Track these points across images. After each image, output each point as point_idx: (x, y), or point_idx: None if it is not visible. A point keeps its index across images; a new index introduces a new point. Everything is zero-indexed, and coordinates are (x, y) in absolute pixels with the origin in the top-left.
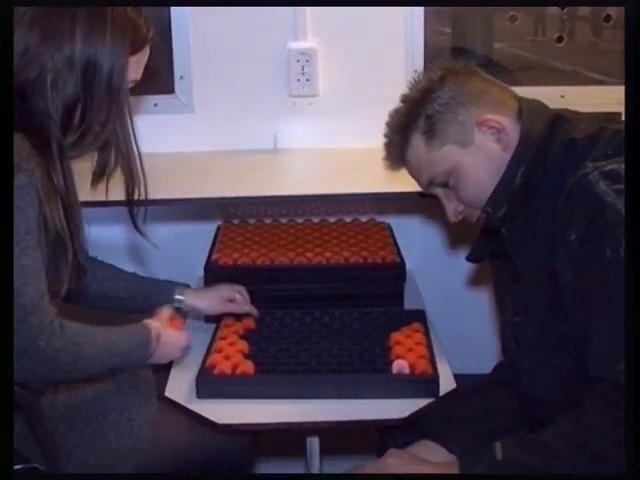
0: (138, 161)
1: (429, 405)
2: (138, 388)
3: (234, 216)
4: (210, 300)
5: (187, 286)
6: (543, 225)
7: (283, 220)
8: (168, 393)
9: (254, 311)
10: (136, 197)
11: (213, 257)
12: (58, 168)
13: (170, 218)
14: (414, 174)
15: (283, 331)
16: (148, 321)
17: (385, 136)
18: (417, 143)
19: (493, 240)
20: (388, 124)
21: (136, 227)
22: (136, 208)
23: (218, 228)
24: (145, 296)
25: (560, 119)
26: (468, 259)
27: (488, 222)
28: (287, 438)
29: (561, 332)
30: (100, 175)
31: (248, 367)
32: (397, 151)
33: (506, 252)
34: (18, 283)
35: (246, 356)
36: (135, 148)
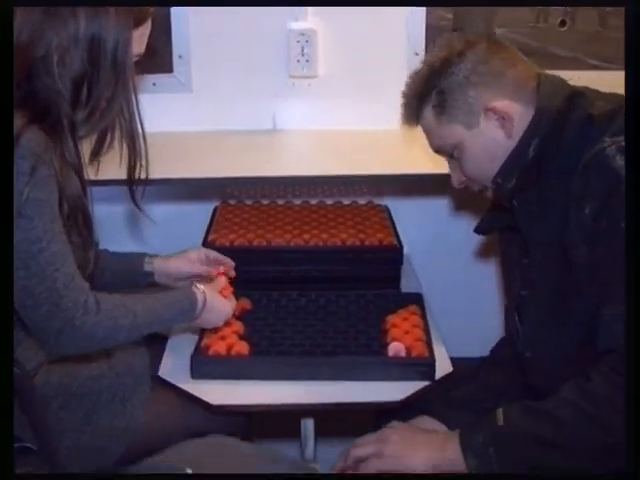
0: (142, 138)
1: (425, 388)
2: (132, 368)
3: (231, 197)
4: (177, 262)
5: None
6: (556, 199)
7: (280, 202)
8: (162, 373)
9: (230, 264)
10: (137, 175)
11: (210, 238)
12: (71, 146)
13: (167, 198)
14: (426, 136)
15: (279, 312)
16: (198, 286)
17: (403, 95)
18: (428, 114)
19: (503, 213)
20: (407, 84)
21: (135, 203)
22: (135, 186)
23: (215, 209)
24: (115, 269)
25: (578, 95)
26: (476, 231)
27: (497, 194)
28: (282, 420)
29: (567, 308)
30: (98, 151)
31: (243, 348)
32: (410, 114)
33: (516, 225)
34: (49, 270)
35: (241, 337)
36: (139, 125)
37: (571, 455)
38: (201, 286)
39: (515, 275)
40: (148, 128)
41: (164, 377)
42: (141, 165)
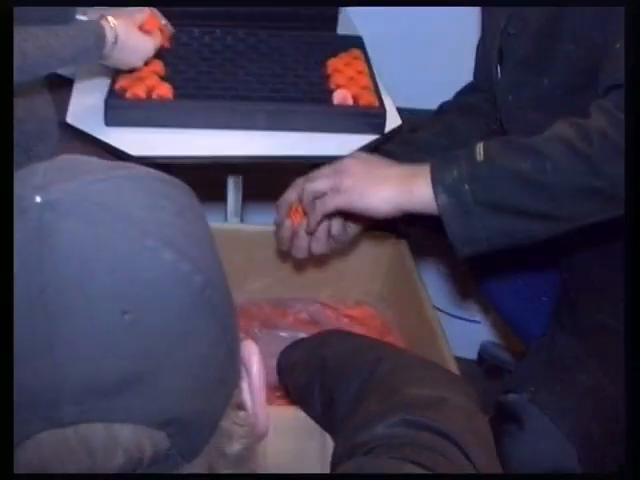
0: None
1: (374, 142)
2: (34, 113)
3: None
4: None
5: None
6: None
7: None
8: (70, 120)
9: (168, 28)
10: None
11: None
12: None
13: None
14: None
15: (202, 52)
16: (109, 18)
17: None
18: None
19: None
20: None
21: None
22: None
23: None
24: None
25: None
26: None
27: None
28: (208, 179)
29: (557, 49)
30: None
31: (166, 90)
32: None
33: None
34: None
35: (162, 78)
36: None
37: (553, 196)
38: (112, 19)
39: (501, 13)
40: None
41: (73, 124)
42: None
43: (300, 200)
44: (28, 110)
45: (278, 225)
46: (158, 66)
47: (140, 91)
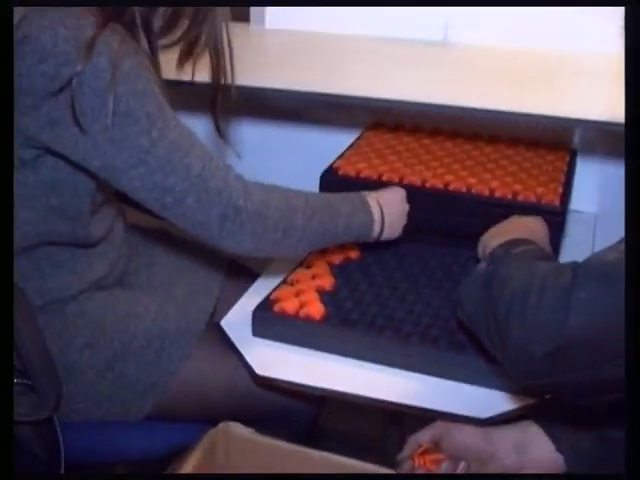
0: (226, 41)
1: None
2: (185, 312)
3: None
4: None
5: None
6: None
7: (428, 127)
8: (225, 323)
9: None
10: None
11: (335, 164)
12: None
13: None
14: None
15: (385, 271)
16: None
17: None
18: None
19: None
20: None
21: (218, 128)
22: (220, 103)
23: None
24: None
25: None
26: None
27: None
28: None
29: None
30: (188, 54)
31: (315, 310)
32: None
33: None
34: (175, 159)
35: (322, 296)
36: (225, 28)
37: None
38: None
39: None
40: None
41: (224, 327)
42: (225, 77)
43: (435, 442)
44: (182, 308)
45: (398, 464)
46: (327, 280)
47: (289, 306)
